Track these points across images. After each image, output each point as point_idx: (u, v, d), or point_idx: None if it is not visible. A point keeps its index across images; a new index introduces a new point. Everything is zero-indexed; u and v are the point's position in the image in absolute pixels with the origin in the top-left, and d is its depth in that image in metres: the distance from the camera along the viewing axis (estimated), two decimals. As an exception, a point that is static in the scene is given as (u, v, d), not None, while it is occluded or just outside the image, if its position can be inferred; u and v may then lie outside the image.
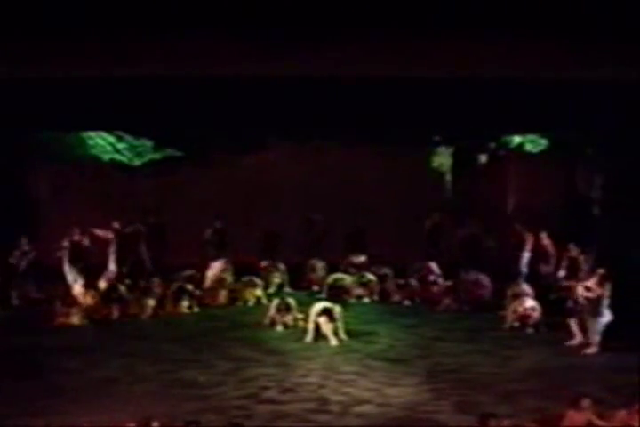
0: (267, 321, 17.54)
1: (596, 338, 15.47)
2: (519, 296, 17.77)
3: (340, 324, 16.62)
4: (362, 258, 20.76)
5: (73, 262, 18.58)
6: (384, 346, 16.41)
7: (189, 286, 19.11)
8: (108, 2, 13.71)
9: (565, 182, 21.23)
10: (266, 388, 13.99)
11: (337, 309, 16.72)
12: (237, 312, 19.04)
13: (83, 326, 17.71)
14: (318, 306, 16.74)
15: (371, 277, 19.96)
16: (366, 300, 19.78)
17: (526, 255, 19.27)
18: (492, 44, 14.42)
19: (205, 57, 14.62)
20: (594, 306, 15.56)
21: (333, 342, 16.32)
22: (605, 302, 15.52)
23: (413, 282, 19.80)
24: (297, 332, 17.02)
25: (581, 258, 17.88)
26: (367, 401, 13.33)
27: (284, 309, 17.45)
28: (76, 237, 18.75)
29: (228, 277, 19.95)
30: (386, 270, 20.18)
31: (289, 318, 17.35)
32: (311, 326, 16.51)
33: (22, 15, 13.71)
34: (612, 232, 18.59)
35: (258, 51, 14.31)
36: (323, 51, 14.47)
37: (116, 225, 19.46)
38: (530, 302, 17.23)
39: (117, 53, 14.42)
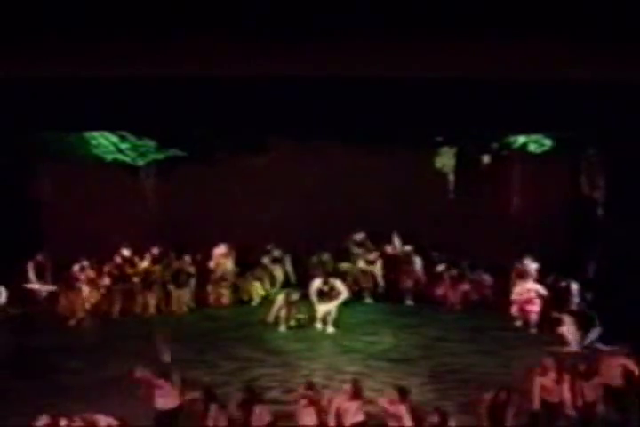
0: (271, 318, 17.49)
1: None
2: (523, 276, 17.83)
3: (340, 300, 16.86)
4: (362, 235, 20.65)
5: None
6: (387, 346, 16.43)
7: (191, 269, 19.10)
8: (110, 2, 13.70)
9: (569, 183, 21.20)
10: (269, 388, 14.01)
11: (338, 284, 16.92)
12: (241, 312, 19.06)
13: (86, 326, 17.76)
14: (316, 283, 17.01)
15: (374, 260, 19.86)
16: (368, 300, 19.69)
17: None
18: (495, 43, 14.38)
19: (208, 57, 14.61)
20: None
21: (330, 329, 16.47)
22: None
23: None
24: (300, 332, 17.04)
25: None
26: (370, 401, 13.34)
27: (290, 303, 17.40)
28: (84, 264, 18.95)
29: (230, 266, 19.87)
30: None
31: (293, 313, 17.31)
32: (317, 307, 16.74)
33: (26, 15, 13.72)
34: (616, 232, 18.56)
35: (260, 51, 14.28)
36: (325, 51, 14.45)
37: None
38: (530, 284, 17.29)
39: (120, 53, 14.39)
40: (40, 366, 15.12)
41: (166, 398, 12.36)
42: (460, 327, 17.61)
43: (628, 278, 16.43)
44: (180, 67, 14.78)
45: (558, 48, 14.30)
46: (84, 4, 13.39)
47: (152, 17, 13.65)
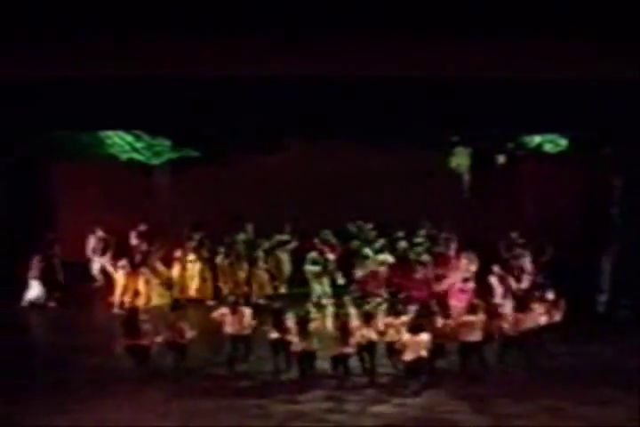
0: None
1: None
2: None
3: None
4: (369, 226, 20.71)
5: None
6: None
7: None
8: (125, 2, 13.77)
9: (584, 183, 21.14)
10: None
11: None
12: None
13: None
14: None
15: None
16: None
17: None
18: (511, 43, 14.41)
19: (223, 58, 14.68)
20: None
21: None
22: None
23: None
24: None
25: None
26: (384, 401, 13.32)
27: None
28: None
29: None
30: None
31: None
32: None
33: (41, 17, 13.81)
34: (631, 233, 18.51)
35: (273, 52, 14.35)
36: (338, 51, 14.51)
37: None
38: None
39: (136, 53, 14.49)
40: (52, 365, 15.15)
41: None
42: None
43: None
44: (195, 67, 14.86)
45: (574, 48, 14.32)
46: (98, 4, 13.48)
47: (167, 17, 13.74)
